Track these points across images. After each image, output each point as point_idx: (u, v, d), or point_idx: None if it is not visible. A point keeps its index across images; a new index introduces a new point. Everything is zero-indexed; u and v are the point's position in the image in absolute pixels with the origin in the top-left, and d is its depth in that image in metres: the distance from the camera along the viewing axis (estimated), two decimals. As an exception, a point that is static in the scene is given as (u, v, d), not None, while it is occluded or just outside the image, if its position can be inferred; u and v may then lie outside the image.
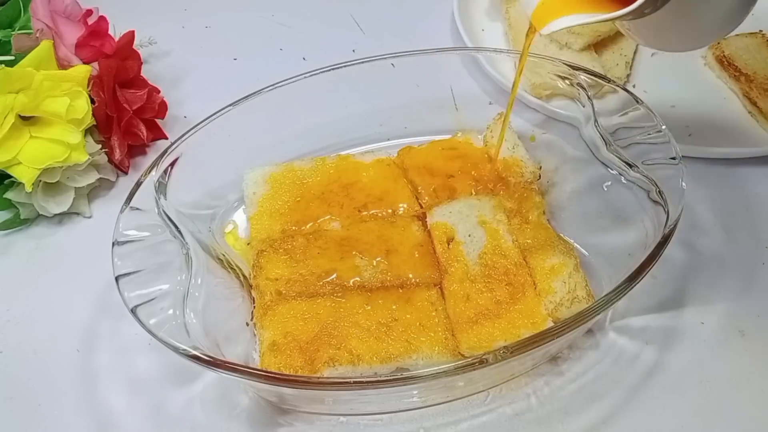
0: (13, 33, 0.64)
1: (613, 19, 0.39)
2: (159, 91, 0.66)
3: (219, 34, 0.80)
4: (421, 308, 0.49)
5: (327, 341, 0.47)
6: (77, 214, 0.61)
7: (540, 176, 0.58)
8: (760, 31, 0.71)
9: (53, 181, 0.58)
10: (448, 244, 0.52)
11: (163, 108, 0.66)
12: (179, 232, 0.48)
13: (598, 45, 0.72)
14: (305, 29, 0.80)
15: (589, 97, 0.55)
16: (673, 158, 0.50)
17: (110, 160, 0.63)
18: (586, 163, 0.55)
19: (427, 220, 0.55)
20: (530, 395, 0.49)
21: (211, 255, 0.51)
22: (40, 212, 0.59)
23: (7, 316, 0.55)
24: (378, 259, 0.52)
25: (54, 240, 0.60)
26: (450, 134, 0.61)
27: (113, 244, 0.46)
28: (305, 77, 0.57)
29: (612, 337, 0.51)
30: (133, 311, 0.43)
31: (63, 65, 0.61)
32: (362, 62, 0.58)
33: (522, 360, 0.46)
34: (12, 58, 0.61)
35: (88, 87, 0.60)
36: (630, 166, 0.51)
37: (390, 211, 0.56)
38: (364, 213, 0.55)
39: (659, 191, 0.48)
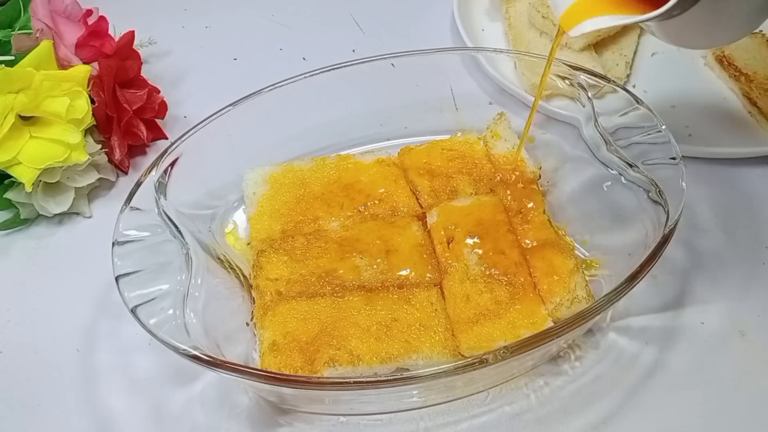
0: (13, 33, 0.64)
1: (641, 22, 0.40)
2: (159, 91, 0.66)
3: (219, 34, 0.80)
4: (421, 308, 0.49)
5: (327, 341, 0.47)
6: (77, 214, 0.61)
7: (540, 176, 0.58)
8: (760, 31, 0.71)
9: (53, 181, 0.58)
10: (448, 244, 0.52)
11: (163, 108, 0.66)
12: (179, 232, 0.48)
13: (598, 45, 0.72)
14: (305, 29, 0.80)
15: (589, 97, 0.55)
16: (673, 158, 0.50)
17: (110, 160, 0.63)
18: (586, 163, 0.55)
19: (427, 220, 0.55)
20: (530, 395, 0.49)
21: (211, 255, 0.51)
22: (40, 212, 0.59)
23: (7, 316, 0.55)
24: (378, 259, 0.52)
25: (54, 240, 0.60)
26: (450, 134, 0.61)
27: (113, 244, 0.46)
28: (305, 77, 0.57)
29: (612, 337, 0.51)
30: (133, 311, 0.43)
31: (63, 65, 0.61)
32: (362, 62, 0.58)
33: (522, 360, 0.46)
34: (12, 58, 0.61)
35: (88, 87, 0.60)
36: (630, 166, 0.51)
37: (390, 211, 0.56)
38: (365, 213, 0.55)
39: (659, 191, 0.48)
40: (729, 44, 0.45)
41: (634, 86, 0.70)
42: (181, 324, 0.43)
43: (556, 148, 0.59)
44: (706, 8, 0.38)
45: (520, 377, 0.49)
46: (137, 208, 0.48)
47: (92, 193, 0.63)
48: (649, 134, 0.52)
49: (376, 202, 0.56)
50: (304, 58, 0.75)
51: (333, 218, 0.55)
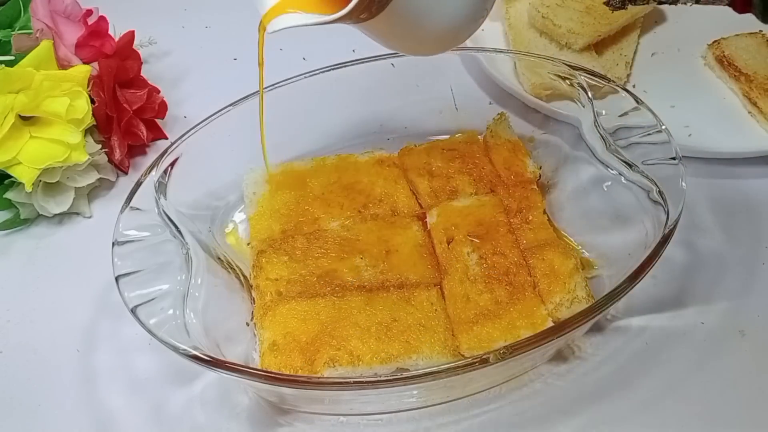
0: (13, 33, 0.64)
1: (331, 22, 0.38)
2: (159, 91, 0.66)
3: (219, 34, 0.80)
4: (421, 308, 0.49)
5: (327, 342, 0.47)
6: (77, 214, 0.61)
7: (540, 176, 0.58)
8: (760, 31, 0.71)
9: (53, 181, 0.58)
10: (448, 244, 0.52)
11: (163, 108, 0.66)
12: (179, 232, 0.48)
13: (598, 45, 0.72)
14: (305, 29, 0.79)
15: (589, 97, 0.55)
16: (673, 158, 0.50)
17: (110, 160, 0.63)
18: (586, 163, 0.55)
19: (427, 220, 0.55)
20: (530, 395, 0.49)
21: (211, 255, 0.51)
22: (40, 212, 0.59)
23: (7, 316, 0.55)
24: (378, 259, 0.52)
25: (54, 240, 0.60)
26: (450, 134, 0.61)
27: (113, 244, 0.46)
28: (305, 77, 0.57)
29: (612, 338, 0.51)
30: (133, 311, 0.43)
31: (63, 65, 0.61)
32: (362, 62, 0.58)
33: (522, 360, 0.46)
34: (12, 58, 0.61)
35: (88, 87, 0.60)
36: (630, 166, 0.51)
37: (390, 211, 0.56)
38: (365, 213, 0.55)
39: (659, 191, 0.48)
40: (440, 53, 0.45)
41: (634, 86, 0.70)
42: (181, 324, 0.43)
43: (556, 148, 0.59)
44: (398, 15, 0.37)
45: (520, 377, 0.49)
46: (137, 208, 0.48)
47: (92, 193, 0.63)
48: (649, 134, 0.52)
49: (376, 202, 0.56)
50: (304, 58, 0.75)
51: (333, 218, 0.55)
